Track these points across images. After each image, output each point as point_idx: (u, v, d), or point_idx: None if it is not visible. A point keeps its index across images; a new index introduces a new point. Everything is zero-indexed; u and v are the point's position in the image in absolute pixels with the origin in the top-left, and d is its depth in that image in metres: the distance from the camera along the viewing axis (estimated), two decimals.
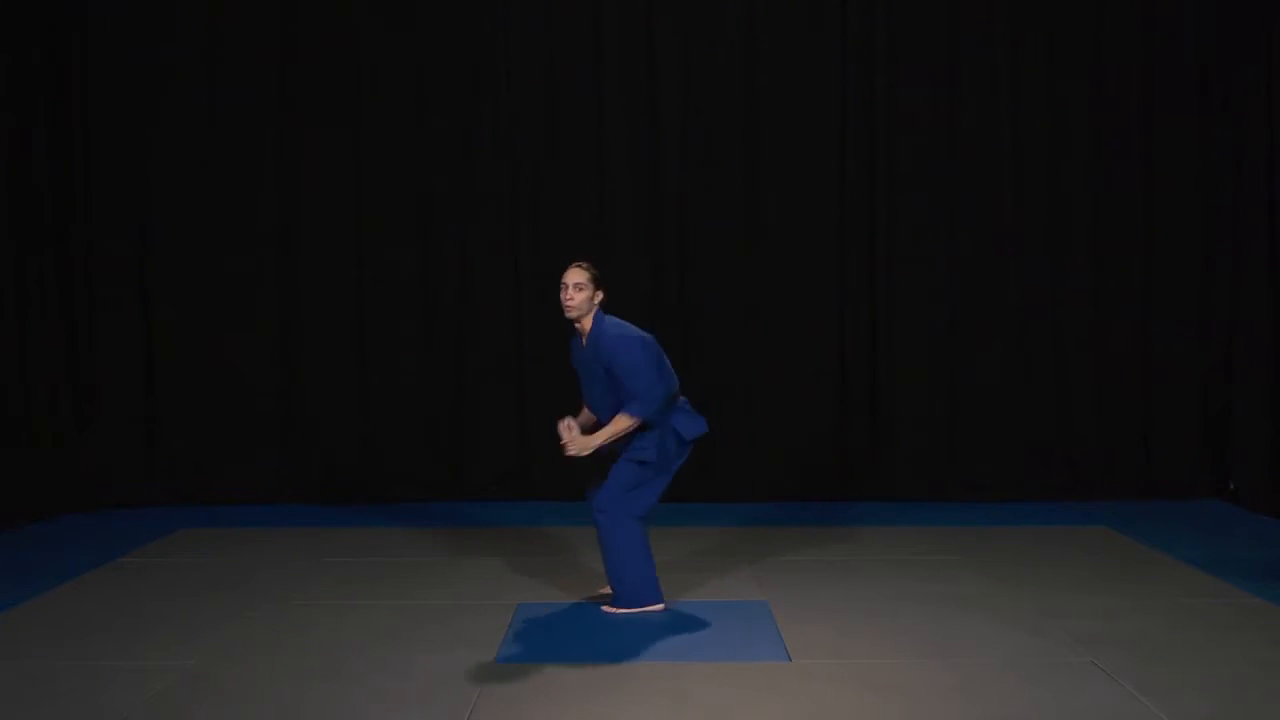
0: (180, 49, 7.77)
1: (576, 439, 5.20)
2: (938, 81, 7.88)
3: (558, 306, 7.61)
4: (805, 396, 7.91)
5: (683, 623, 5.19)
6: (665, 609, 5.37)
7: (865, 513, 7.54)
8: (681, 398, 5.43)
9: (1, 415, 7.22)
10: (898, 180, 7.88)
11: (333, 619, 5.25)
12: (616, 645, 4.90)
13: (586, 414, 5.48)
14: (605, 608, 5.40)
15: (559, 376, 7.75)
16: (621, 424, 5.20)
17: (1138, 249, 7.95)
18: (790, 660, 4.70)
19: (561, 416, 5.30)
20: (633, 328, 5.32)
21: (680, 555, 6.34)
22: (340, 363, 7.91)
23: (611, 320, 5.33)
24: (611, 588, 5.41)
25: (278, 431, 7.90)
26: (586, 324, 5.33)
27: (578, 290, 5.29)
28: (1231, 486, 7.83)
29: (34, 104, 7.44)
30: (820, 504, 7.78)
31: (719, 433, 7.78)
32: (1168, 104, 7.90)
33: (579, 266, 5.36)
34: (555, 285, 7.64)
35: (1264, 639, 4.90)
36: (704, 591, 5.67)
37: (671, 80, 7.86)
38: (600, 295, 5.35)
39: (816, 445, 7.92)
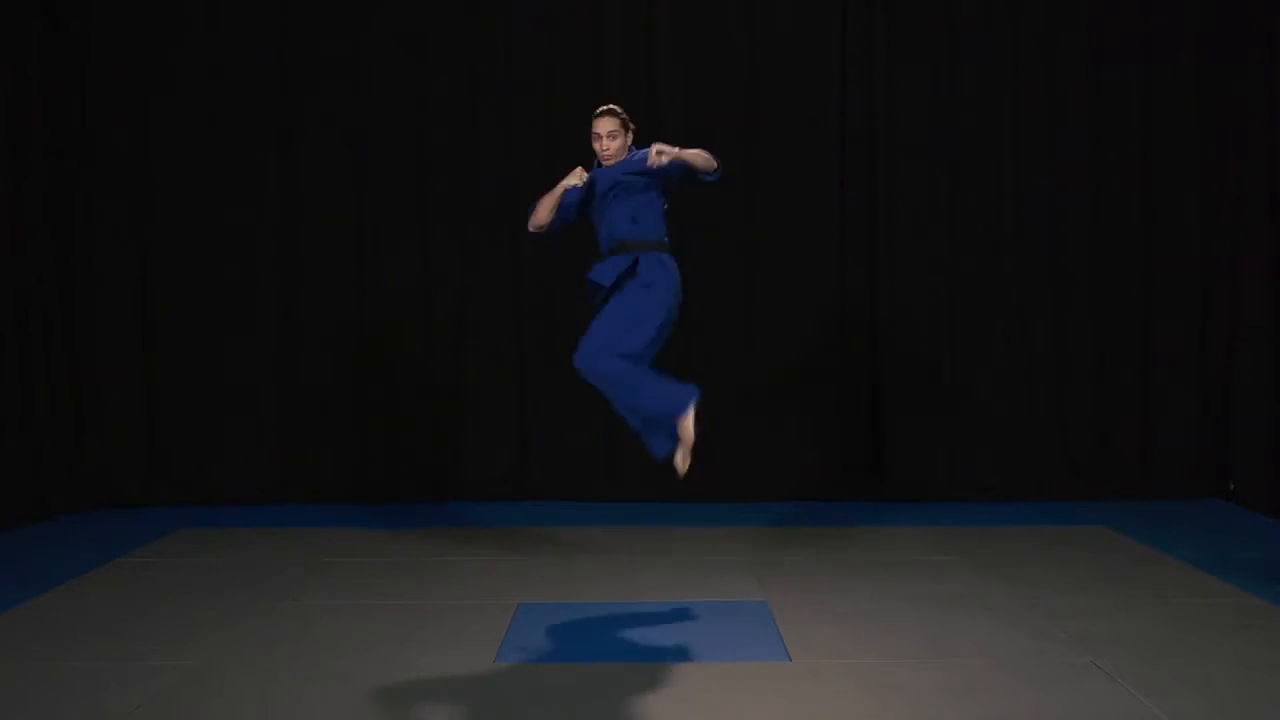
0: (182, 43, 7.77)
1: (663, 147, 5.03)
2: (938, 80, 7.89)
3: (557, 306, 7.72)
4: (805, 395, 7.91)
5: (683, 623, 5.19)
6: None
7: (865, 513, 7.54)
8: None
9: (2, 415, 7.21)
10: (897, 179, 7.88)
11: (333, 619, 5.24)
12: (616, 645, 4.90)
13: None
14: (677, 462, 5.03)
15: (559, 377, 7.78)
16: (702, 153, 5.04)
17: (1138, 248, 7.95)
18: (790, 660, 4.70)
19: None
20: None
21: (681, 555, 6.33)
22: (340, 362, 7.90)
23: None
24: (643, 430, 5.10)
25: (278, 431, 7.89)
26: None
27: (612, 139, 5.27)
28: (1231, 486, 7.83)
29: (32, 102, 7.42)
30: (820, 504, 7.78)
31: (719, 433, 7.84)
32: (1168, 103, 7.91)
33: (609, 114, 5.31)
34: (555, 285, 7.78)
35: (1264, 639, 4.90)
36: (704, 591, 5.66)
37: (671, 80, 7.85)
38: (632, 135, 5.32)
39: (816, 445, 7.92)
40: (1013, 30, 7.88)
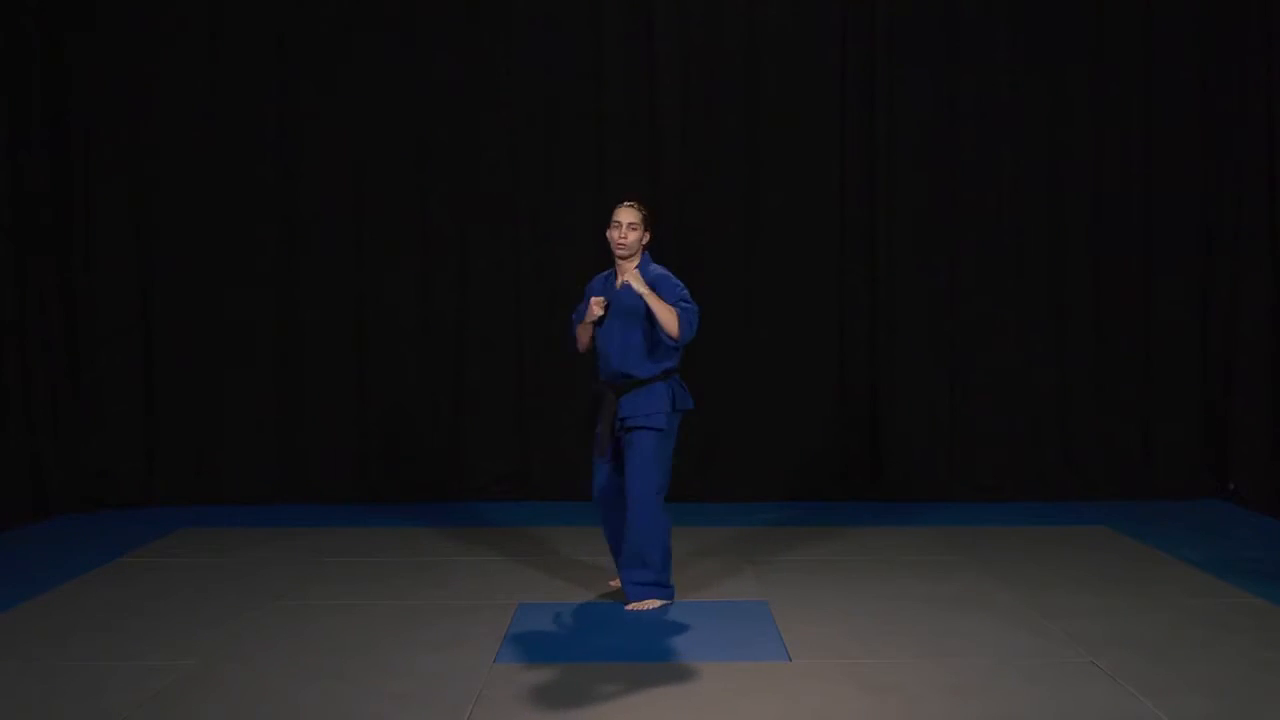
0: (180, 47, 7.76)
1: (633, 279, 5.10)
2: (938, 82, 7.89)
3: (557, 306, 7.71)
4: (805, 396, 7.91)
5: (683, 623, 5.19)
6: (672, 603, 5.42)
7: (865, 513, 7.53)
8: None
9: (2, 415, 7.21)
10: (898, 181, 7.89)
11: (333, 619, 5.24)
12: (616, 645, 4.90)
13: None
14: (630, 606, 5.36)
15: (559, 376, 7.79)
16: (668, 308, 5.08)
17: (1137, 248, 7.95)
18: (790, 660, 4.70)
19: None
20: None
21: (680, 555, 6.32)
22: (340, 362, 7.90)
23: (656, 265, 5.34)
24: (628, 581, 5.37)
25: (278, 431, 7.89)
26: (630, 265, 5.26)
27: (631, 230, 5.22)
28: (1231, 486, 7.83)
29: (32, 104, 7.42)
30: (820, 504, 7.78)
31: (719, 433, 7.85)
32: (1168, 104, 7.90)
33: (632, 205, 5.29)
34: (555, 286, 7.77)
35: (1264, 639, 4.90)
36: (704, 591, 5.67)
37: (671, 81, 7.85)
38: (649, 237, 5.32)
39: (817, 445, 7.92)
40: (1013, 32, 7.88)
